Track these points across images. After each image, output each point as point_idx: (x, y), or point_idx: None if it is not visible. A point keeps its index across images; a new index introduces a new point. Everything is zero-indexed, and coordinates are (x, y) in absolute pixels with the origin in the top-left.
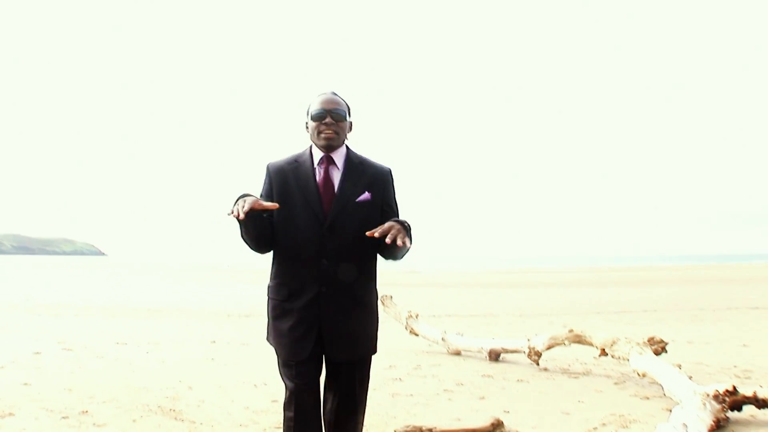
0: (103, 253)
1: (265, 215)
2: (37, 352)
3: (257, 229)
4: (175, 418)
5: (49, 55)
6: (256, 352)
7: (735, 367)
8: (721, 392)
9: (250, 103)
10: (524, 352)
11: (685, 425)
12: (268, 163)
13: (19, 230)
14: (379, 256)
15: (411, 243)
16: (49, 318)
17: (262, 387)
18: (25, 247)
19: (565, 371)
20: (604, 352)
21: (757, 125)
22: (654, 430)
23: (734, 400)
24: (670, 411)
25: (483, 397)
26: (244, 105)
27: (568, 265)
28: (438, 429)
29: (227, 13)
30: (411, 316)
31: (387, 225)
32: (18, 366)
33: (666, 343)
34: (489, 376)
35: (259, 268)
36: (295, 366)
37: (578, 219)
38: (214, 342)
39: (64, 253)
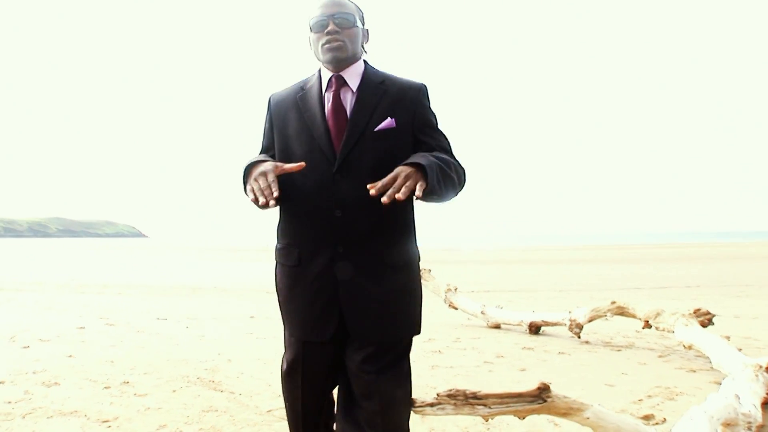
0: (144, 235)
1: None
2: (81, 327)
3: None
4: (215, 389)
5: (90, 43)
6: None
7: None
8: None
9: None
10: (565, 324)
11: (737, 396)
12: (270, 94)
13: (63, 213)
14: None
15: (442, 186)
16: (93, 296)
17: None
18: (69, 230)
19: (607, 344)
20: (647, 324)
21: None
22: (702, 402)
23: None
24: (719, 384)
25: (524, 369)
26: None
27: (607, 242)
28: (482, 393)
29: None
30: (450, 289)
31: (390, 175)
32: (63, 340)
33: (713, 315)
34: (529, 348)
35: None
36: (309, 348)
37: (616, 196)
38: (253, 317)
39: (107, 236)
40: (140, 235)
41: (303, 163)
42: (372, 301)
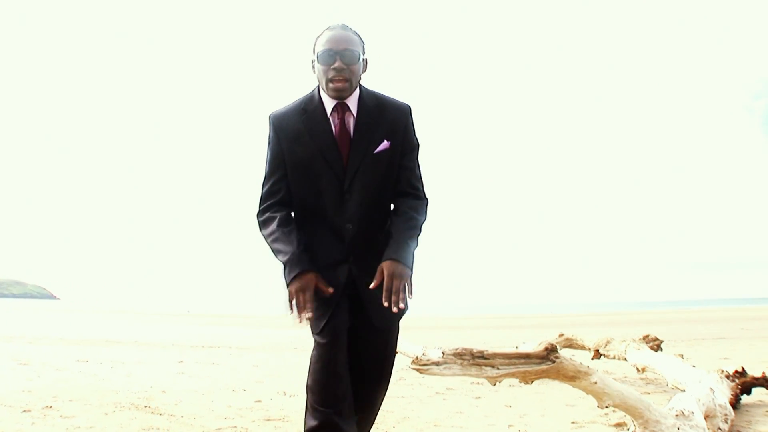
0: (56, 297)
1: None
2: None
3: None
4: (152, 413)
5: None
6: (230, 369)
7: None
8: (731, 373)
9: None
10: None
11: (712, 389)
12: (270, 113)
13: None
14: None
15: (411, 294)
16: (1, 343)
17: (242, 392)
18: None
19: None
20: (598, 354)
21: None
22: None
23: (744, 382)
24: None
25: (479, 397)
26: (210, 149)
27: (537, 311)
28: (490, 352)
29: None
30: None
31: (386, 279)
32: None
33: (661, 341)
34: (479, 383)
35: (221, 313)
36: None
37: (536, 267)
38: (182, 362)
39: (13, 296)
40: (51, 296)
41: (332, 289)
42: (379, 292)
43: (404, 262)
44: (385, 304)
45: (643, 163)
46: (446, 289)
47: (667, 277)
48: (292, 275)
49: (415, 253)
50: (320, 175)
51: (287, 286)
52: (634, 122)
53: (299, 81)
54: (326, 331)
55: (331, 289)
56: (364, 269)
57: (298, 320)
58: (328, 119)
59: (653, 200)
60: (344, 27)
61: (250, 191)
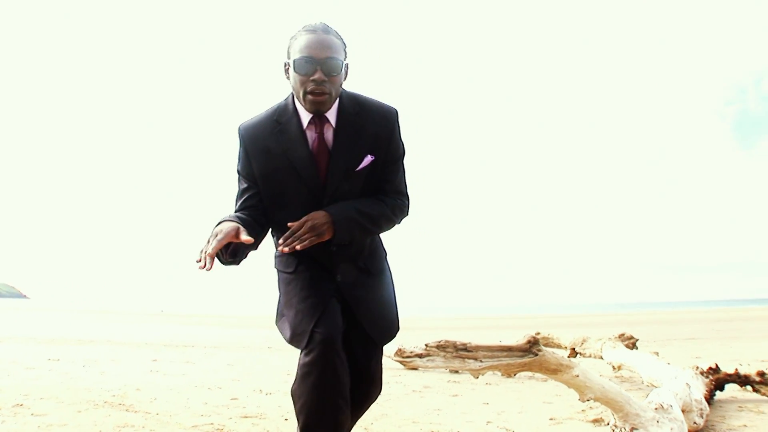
0: (25, 296)
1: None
2: None
3: (243, 253)
4: (127, 410)
5: None
6: (205, 367)
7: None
8: (705, 370)
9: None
10: None
11: (688, 384)
12: (239, 125)
13: None
14: None
15: (355, 237)
16: None
17: (217, 390)
18: None
19: (530, 378)
20: (574, 352)
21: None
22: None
23: (717, 378)
24: None
25: (456, 395)
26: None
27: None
28: (473, 344)
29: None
30: None
31: (298, 222)
32: None
33: (636, 339)
34: (455, 381)
35: (195, 312)
36: (323, 312)
37: (506, 269)
38: (156, 360)
39: None
40: (20, 295)
41: (252, 239)
42: (379, 311)
43: (334, 218)
44: (279, 242)
45: (617, 169)
46: (423, 290)
47: (639, 279)
48: (221, 219)
49: (358, 235)
50: (295, 193)
51: None
52: (608, 129)
53: (279, 84)
54: (317, 337)
55: (251, 239)
56: (354, 282)
57: (199, 260)
58: (304, 132)
59: (627, 205)
60: (326, 29)
61: (224, 190)
